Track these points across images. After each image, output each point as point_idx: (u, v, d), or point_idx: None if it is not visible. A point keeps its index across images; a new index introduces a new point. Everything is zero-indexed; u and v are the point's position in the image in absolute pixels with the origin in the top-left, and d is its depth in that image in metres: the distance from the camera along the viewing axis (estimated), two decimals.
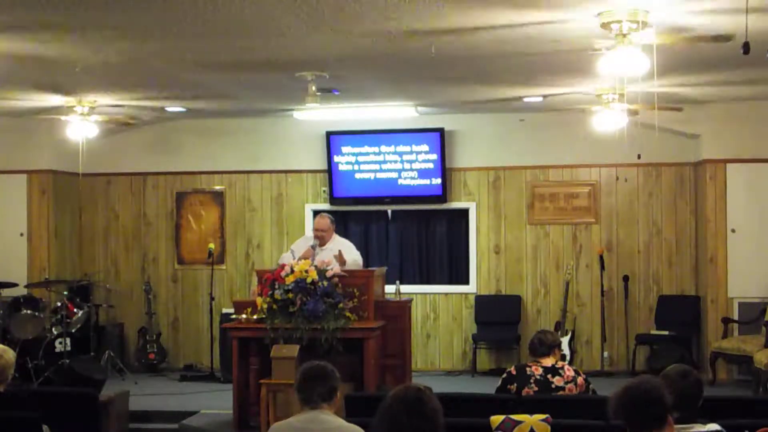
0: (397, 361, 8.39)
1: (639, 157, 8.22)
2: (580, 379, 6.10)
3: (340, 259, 8.21)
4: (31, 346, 9.84)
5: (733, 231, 10.59)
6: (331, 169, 11.50)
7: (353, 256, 8.56)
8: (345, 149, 11.48)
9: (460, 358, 11.49)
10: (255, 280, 8.60)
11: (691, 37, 6.49)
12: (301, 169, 11.77)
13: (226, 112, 11.28)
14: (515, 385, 6.00)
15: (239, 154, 11.84)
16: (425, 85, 9.38)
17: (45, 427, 5.59)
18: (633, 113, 8.95)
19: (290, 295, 7.75)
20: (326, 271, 7.85)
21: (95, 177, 11.86)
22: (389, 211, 11.76)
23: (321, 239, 8.50)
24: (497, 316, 11.26)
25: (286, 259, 8.42)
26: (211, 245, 11.39)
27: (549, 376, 5.99)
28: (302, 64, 8.01)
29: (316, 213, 11.41)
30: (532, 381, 5.97)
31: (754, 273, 10.50)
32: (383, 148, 11.43)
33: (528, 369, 6.05)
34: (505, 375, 6.14)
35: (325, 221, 8.66)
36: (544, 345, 6.11)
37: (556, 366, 6.07)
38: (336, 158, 11.48)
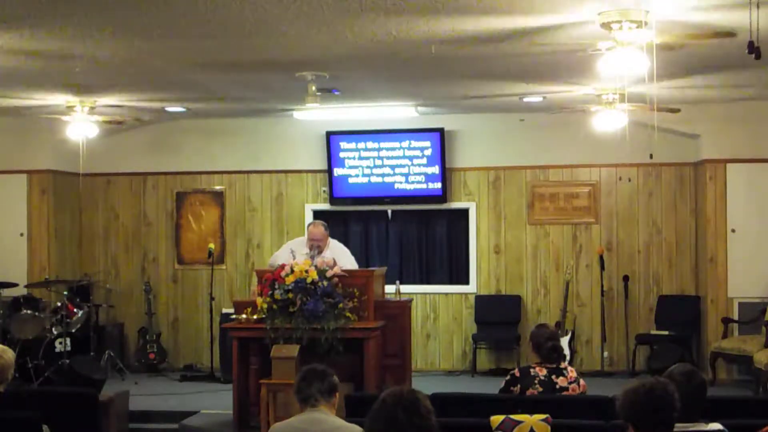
0: (397, 361, 8.38)
1: (651, 156, 8.21)
2: (582, 380, 6.09)
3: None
4: (31, 346, 9.83)
5: (733, 231, 10.59)
6: (331, 169, 11.50)
7: (343, 264, 8.28)
8: (345, 149, 11.47)
9: (460, 358, 11.49)
10: (255, 280, 8.57)
11: (692, 37, 6.49)
12: (301, 169, 11.77)
13: (226, 112, 11.28)
14: (519, 386, 5.99)
15: (239, 154, 11.84)
16: (425, 85, 9.37)
17: (45, 427, 5.60)
18: (634, 113, 8.95)
19: (290, 295, 7.73)
20: (326, 271, 7.84)
21: (95, 177, 11.86)
22: (389, 211, 11.76)
23: (318, 248, 8.31)
24: (497, 316, 11.26)
25: (281, 257, 8.37)
26: (211, 245, 11.39)
27: (553, 376, 5.98)
28: (302, 64, 8.01)
29: (316, 213, 11.46)
30: (536, 382, 5.95)
31: (754, 273, 10.50)
32: (383, 148, 11.43)
33: (532, 370, 6.02)
34: (508, 377, 6.10)
35: (320, 229, 8.44)
36: (557, 352, 6.07)
37: (560, 366, 6.06)
38: (336, 158, 11.48)
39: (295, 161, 11.77)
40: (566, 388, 5.96)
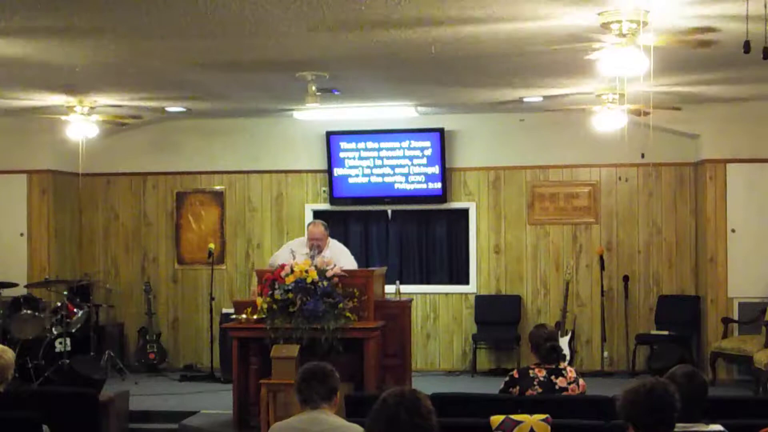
0: (397, 361, 8.38)
1: (643, 156, 8.24)
2: (581, 380, 6.09)
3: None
4: (31, 346, 9.83)
5: (733, 231, 10.59)
6: (331, 169, 11.50)
7: (343, 264, 8.24)
8: (345, 149, 11.47)
9: (460, 358, 11.49)
10: (255, 280, 8.57)
11: (691, 37, 6.49)
12: (301, 169, 11.77)
13: (226, 112, 11.28)
14: (518, 387, 5.99)
15: (239, 154, 11.84)
16: (425, 85, 9.37)
17: (45, 427, 5.59)
18: (635, 113, 8.95)
19: (290, 295, 7.73)
20: (326, 271, 7.84)
21: (95, 177, 11.86)
22: (389, 211, 11.76)
23: (318, 248, 8.31)
24: (497, 316, 11.26)
25: (281, 257, 8.37)
26: (211, 245, 11.38)
27: (552, 377, 5.98)
28: (302, 64, 8.01)
29: (316, 213, 11.46)
30: (535, 383, 5.95)
31: (754, 273, 10.50)
32: (383, 148, 11.43)
33: (531, 371, 6.02)
34: (507, 378, 6.11)
35: (320, 229, 8.45)
36: (556, 352, 6.07)
37: (559, 367, 6.06)
38: (336, 158, 11.48)
39: (295, 161, 11.77)
40: (565, 389, 5.96)
